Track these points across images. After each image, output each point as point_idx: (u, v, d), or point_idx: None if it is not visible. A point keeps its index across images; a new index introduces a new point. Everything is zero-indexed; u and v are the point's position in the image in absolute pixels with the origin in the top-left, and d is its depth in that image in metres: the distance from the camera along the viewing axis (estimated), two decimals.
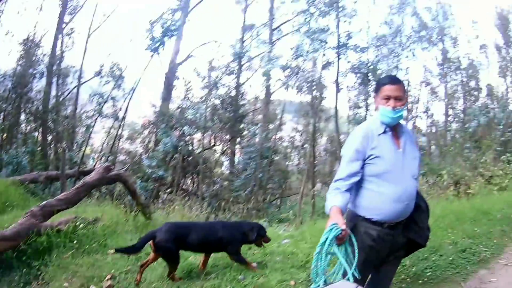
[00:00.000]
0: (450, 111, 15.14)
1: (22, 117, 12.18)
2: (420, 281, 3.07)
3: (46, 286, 2.63)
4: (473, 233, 4.36)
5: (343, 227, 1.59)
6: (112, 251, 2.99)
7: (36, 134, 12.23)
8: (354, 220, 1.83)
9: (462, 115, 14.75)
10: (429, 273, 3.19)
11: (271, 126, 11.73)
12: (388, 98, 1.77)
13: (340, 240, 1.62)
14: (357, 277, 1.58)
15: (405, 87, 1.95)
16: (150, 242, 2.74)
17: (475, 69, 16.09)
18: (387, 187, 1.76)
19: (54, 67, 12.02)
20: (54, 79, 12.18)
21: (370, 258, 1.82)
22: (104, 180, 4.02)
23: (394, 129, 1.86)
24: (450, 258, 3.53)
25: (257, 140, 10.60)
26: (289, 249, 3.45)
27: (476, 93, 15.93)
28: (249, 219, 7.17)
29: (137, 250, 2.77)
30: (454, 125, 14.87)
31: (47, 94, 11.90)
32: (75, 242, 3.17)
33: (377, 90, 1.86)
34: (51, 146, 12.07)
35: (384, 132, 1.81)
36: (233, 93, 11.31)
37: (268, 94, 12.10)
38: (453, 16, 15.45)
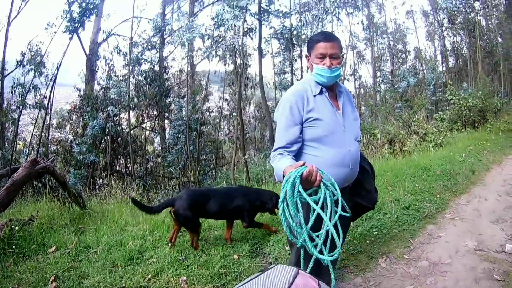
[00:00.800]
0: (378, 73, 15.88)
1: None
2: (368, 241, 3.03)
3: None
4: (415, 189, 4.42)
5: (309, 166, 1.35)
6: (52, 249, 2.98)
7: None
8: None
9: (390, 77, 15.44)
10: (376, 232, 3.17)
11: (198, 98, 11.46)
12: (323, 57, 1.62)
13: (308, 183, 1.36)
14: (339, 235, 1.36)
15: (341, 43, 1.74)
16: (171, 209, 2.79)
17: (402, 33, 17.25)
18: (330, 151, 1.62)
19: None
20: None
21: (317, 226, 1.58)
22: (32, 175, 3.73)
23: (331, 89, 1.72)
24: (395, 216, 3.53)
25: (184, 113, 10.32)
26: None
27: (404, 56, 17.07)
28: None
29: (152, 212, 2.86)
30: (383, 86, 15.52)
31: None
32: (14, 247, 2.99)
33: (310, 48, 1.68)
34: None
35: (321, 93, 1.66)
36: (157, 68, 10.87)
37: (192, 66, 11.90)
38: None
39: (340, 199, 1.37)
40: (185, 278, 2.41)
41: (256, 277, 0.70)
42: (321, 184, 1.36)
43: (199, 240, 2.90)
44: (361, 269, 2.60)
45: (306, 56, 1.73)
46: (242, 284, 0.68)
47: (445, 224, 3.51)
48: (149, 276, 2.46)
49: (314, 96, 1.64)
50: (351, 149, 1.67)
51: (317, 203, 1.33)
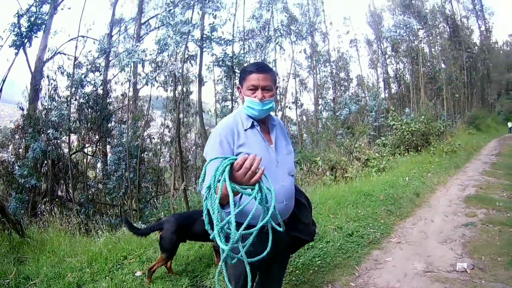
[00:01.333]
0: (320, 101, 16.22)
1: None
2: (311, 271, 2.98)
3: None
4: (358, 216, 4.39)
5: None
6: None
7: None
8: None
9: (332, 104, 15.89)
10: (319, 262, 3.11)
11: (139, 124, 11.28)
12: (255, 89, 1.55)
13: (240, 177, 1.16)
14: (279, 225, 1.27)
15: (275, 75, 1.68)
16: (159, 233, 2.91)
17: (345, 61, 17.97)
18: None
19: None
20: None
21: (253, 263, 1.38)
22: None
23: (263, 122, 1.65)
24: (338, 244, 3.50)
25: (125, 139, 10.09)
26: None
27: (346, 83, 17.75)
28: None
29: (139, 234, 2.94)
30: (325, 114, 15.89)
31: None
32: None
33: (242, 79, 1.61)
34: None
35: (252, 126, 1.58)
36: (100, 91, 10.64)
37: (135, 90, 11.77)
38: (325, 13, 17.16)
39: (272, 210, 1.18)
40: None
41: None
42: (258, 184, 1.18)
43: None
44: None
45: (238, 88, 1.67)
46: None
47: (391, 249, 3.53)
48: None
49: (245, 130, 1.57)
50: (285, 184, 1.60)
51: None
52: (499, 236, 3.78)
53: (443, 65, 21.22)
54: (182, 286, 2.75)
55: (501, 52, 39.39)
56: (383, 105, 15.14)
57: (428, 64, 20.67)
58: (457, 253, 3.35)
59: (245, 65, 11.63)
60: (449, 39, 22.78)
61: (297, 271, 2.97)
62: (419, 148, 10.92)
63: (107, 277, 2.83)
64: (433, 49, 21.80)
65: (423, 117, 11.91)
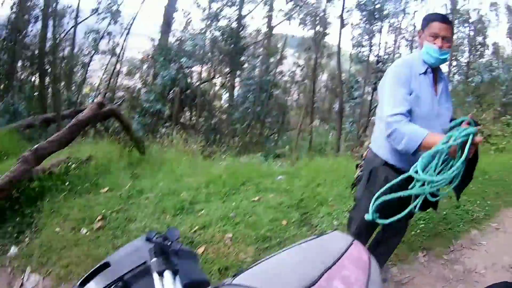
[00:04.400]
0: (454, 63, 14.86)
1: (19, 64, 11.93)
2: (413, 233, 2.96)
3: (39, 233, 2.52)
4: (468, 190, 4.05)
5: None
6: (105, 190, 2.99)
7: (33, 79, 12.02)
8: (374, 163, 1.64)
9: (465, 69, 14.56)
10: (422, 225, 3.08)
11: (272, 60, 11.41)
12: (436, 36, 1.57)
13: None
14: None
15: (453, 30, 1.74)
16: None
17: (483, 25, 15.83)
18: None
19: (50, 9, 11.40)
20: (50, 22, 11.45)
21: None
22: (97, 116, 3.78)
23: (435, 72, 1.66)
24: (444, 213, 3.43)
25: (256, 73, 10.36)
26: (283, 186, 3.32)
27: (482, 49, 15.70)
28: (246, 153, 7.07)
29: None
30: (457, 77, 14.67)
31: (43, 37, 11.29)
32: (67, 184, 3.04)
33: (424, 25, 1.63)
34: (49, 89, 11.75)
35: (425, 72, 1.61)
36: (234, 25, 10.70)
37: (270, 27, 11.71)
38: None
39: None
40: (230, 235, 2.41)
41: (311, 239, 0.70)
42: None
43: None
44: (399, 259, 2.57)
45: (418, 32, 1.69)
46: (297, 244, 0.68)
47: (489, 233, 3.35)
48: (196, 227, 2.46)
49: (419, 74, 1.60)
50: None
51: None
52: None
53: None
54: (291, 219, 2.75)
55: None
56: None
57: None
58: None
59: (391, 11, 10.96)
60: None
61: None
62: None
63: (221, 200, 2.88)
64: None
65: None
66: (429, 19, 1.62)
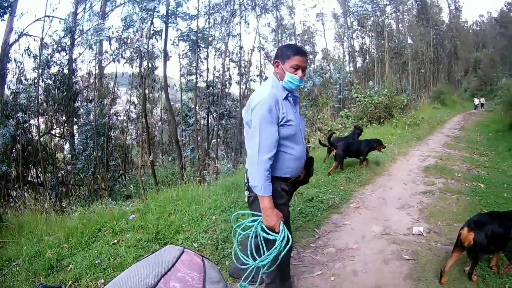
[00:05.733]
0: None
1: None
2: None
3: None
4: (318, 182, 4.50)
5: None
6: None
7: None
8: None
9: None
10: None
11: (105, 102, 11.21)
12: (297, 68, 1.84)
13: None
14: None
15: None
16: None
17: (310, 35, 18.14)
18: (296, 148, 1.92)
19: None
20: None
21: (288, 210, 2.09)
22: None
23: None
24: (299, 208, 3.64)
25: (92, 118, 10.07)
26: (137, 223, 3.39)
27: (311, 56, 17.95)
28: (96, 200, 6.83)
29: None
30: None
31: None
32: None
33: (285, 57, 1.86)
34: None
35: (286, 97, 1.89)
36: (66, 70, 10.37)
37: (101, 68, 11.56)
38: None
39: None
40: (102, 280, 2.51)
41: (147, 256, 0.76)
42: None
43: None
44: None
45: (276, 62, 1.92)
46: (135, 265, 0.72)
47: (350, 213, 3.67)
48: (70, 282, 2.49)
49: (283, 99, 1.87)
50: (304, 145, 2.03)
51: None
52: (456, 203, 3.92)
53: (410, 41, 21.70)
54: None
55: (470, 31, 40.62)
56: (348, 78, 15.40)
57: (395, 39, 21.00)
58: (414, 218, 3.48)
59: (216, 37, 11.70)
60: (417, 15, 23.24)
61: None
62: (382, 120, 11.19)
63: (84, 250, 2.95)
64: (400, 25, 22.20)
65: (386, 90, 12.16)
66: (290, 53, 1.86)
